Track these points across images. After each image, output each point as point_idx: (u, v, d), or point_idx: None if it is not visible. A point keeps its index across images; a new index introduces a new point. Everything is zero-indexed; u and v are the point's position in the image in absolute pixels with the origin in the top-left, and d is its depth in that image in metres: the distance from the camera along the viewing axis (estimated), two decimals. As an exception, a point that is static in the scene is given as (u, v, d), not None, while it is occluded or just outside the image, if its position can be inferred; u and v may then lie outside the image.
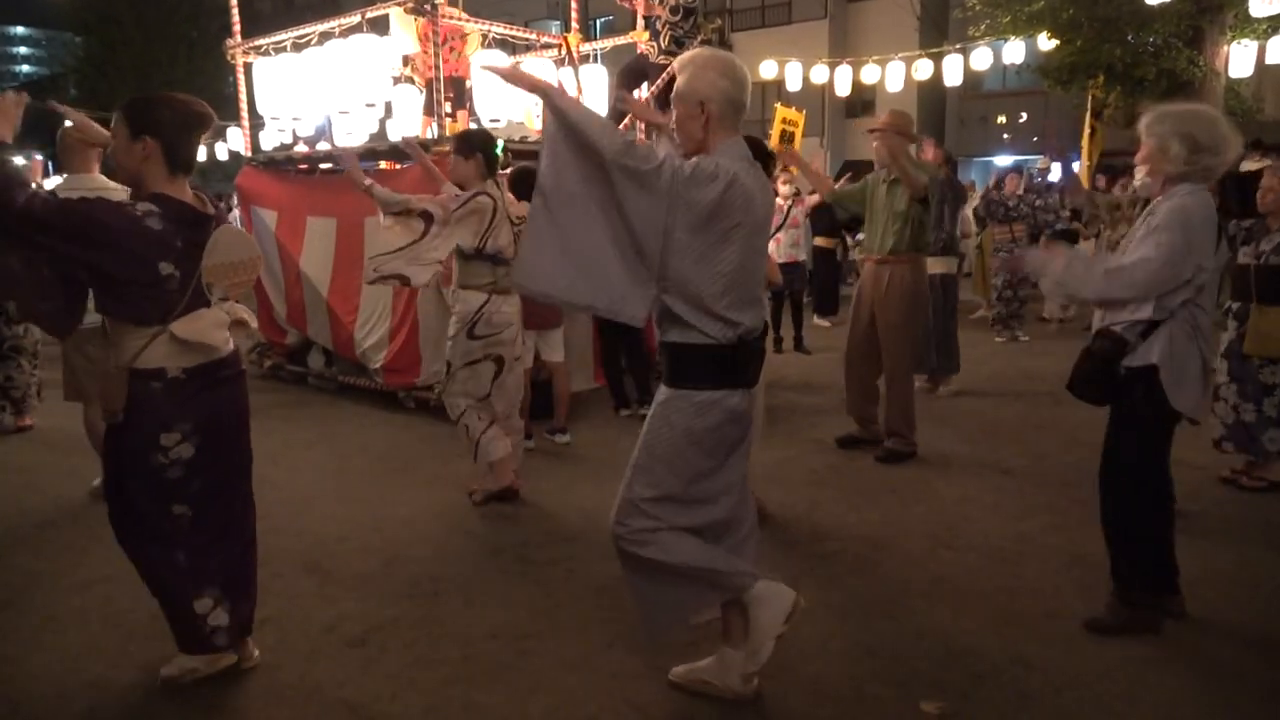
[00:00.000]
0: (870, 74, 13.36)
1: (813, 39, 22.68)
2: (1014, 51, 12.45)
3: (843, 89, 13.75)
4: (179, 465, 2.65)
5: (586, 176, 2.32)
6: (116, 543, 2.78)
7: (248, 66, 7.63)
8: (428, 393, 6.27)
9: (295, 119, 7.20)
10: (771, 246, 8.47)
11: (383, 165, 7.43)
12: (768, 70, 13.90)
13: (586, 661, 3.01)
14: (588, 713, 2.73)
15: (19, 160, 2.61)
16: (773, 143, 10.57)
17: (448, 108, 6.41)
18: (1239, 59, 11.03)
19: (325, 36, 6.74)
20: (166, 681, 2.84)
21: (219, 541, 2.82)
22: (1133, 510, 3.16)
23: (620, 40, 8.23)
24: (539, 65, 7.17)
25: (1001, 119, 23.64)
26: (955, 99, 23.00)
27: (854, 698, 2.80)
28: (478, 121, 6.80)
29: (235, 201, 9.37)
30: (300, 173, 7.89)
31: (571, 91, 7.04)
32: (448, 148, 5.16)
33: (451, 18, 6.57)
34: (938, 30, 20.70)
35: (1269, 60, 10.67)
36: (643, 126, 7.35)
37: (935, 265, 6.66)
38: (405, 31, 6.89)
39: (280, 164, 7.90)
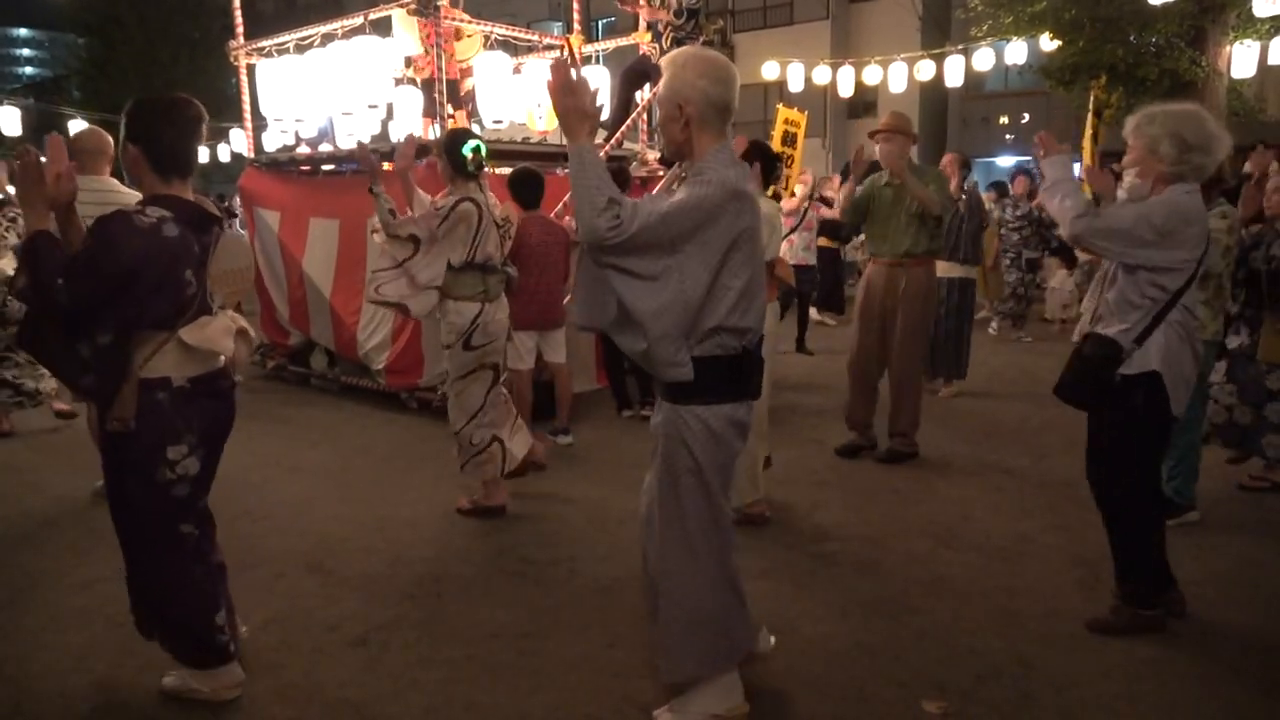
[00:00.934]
0: (872, 75, 13.37)
1: (815, 40, 22.68)
2: (1016, 52, 12.46)
3: (845, 90, 13.77)
4: (185, 482, 2.59)
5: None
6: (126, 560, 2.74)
7: (250, 68, 7.65)
8: (430, 393, 6.28)
9: (298, 120, 7.21)
10: (785, 247, 8.51)
11: (386, 166, 7.44)
12: (770, 71, 13.92)
13: (588, 661, 3.02)
14: (589, 712, 2.73)
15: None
16: (775, 143, 10.59)
17: (449, 109, 6.41)
18: (1241, 59, 11.02)
19: (328, 38, 6.75)
20: (166, 692, 2.82)
21: (216, 553, 2.82)
22: (1140, 514, 3.16)
23: (623, 41, 8.24)
24: (541, 67, 7.17)
25: (1004, 119, 23.62)
26: (957, 99, 22.97)
27: (855, 697, 2.80)
28: (480, 123, 6.82)
29: (238, 203, 9.39)
30: (303, 174, 7.90)
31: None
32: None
33: (453, 19, 6.58)
34: (940, 31, 20.68)
35: (1271, 61, 10.68)
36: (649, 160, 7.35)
37: (954, 270, 6.68)
38: (407, 33, 6.91)
39: (283, 165, 7.92)
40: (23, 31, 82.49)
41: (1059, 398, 3.22)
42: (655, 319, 2.25)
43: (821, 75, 13.74)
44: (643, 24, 7.36)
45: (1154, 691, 2.82)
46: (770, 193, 9.77)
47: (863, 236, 5.57)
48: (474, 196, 4.19)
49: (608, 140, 7.04)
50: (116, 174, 4.02)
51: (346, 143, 7.15)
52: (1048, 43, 12.73)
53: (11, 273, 2.48)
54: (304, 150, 7.76)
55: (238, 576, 2.97)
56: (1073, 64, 12.87)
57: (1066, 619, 3.27)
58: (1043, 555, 3.87)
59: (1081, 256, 9.34)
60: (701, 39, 7.36)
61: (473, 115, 6.93)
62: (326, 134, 7.53)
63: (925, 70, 13.09)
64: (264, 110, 7.29)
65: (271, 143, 8.35)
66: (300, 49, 7.05)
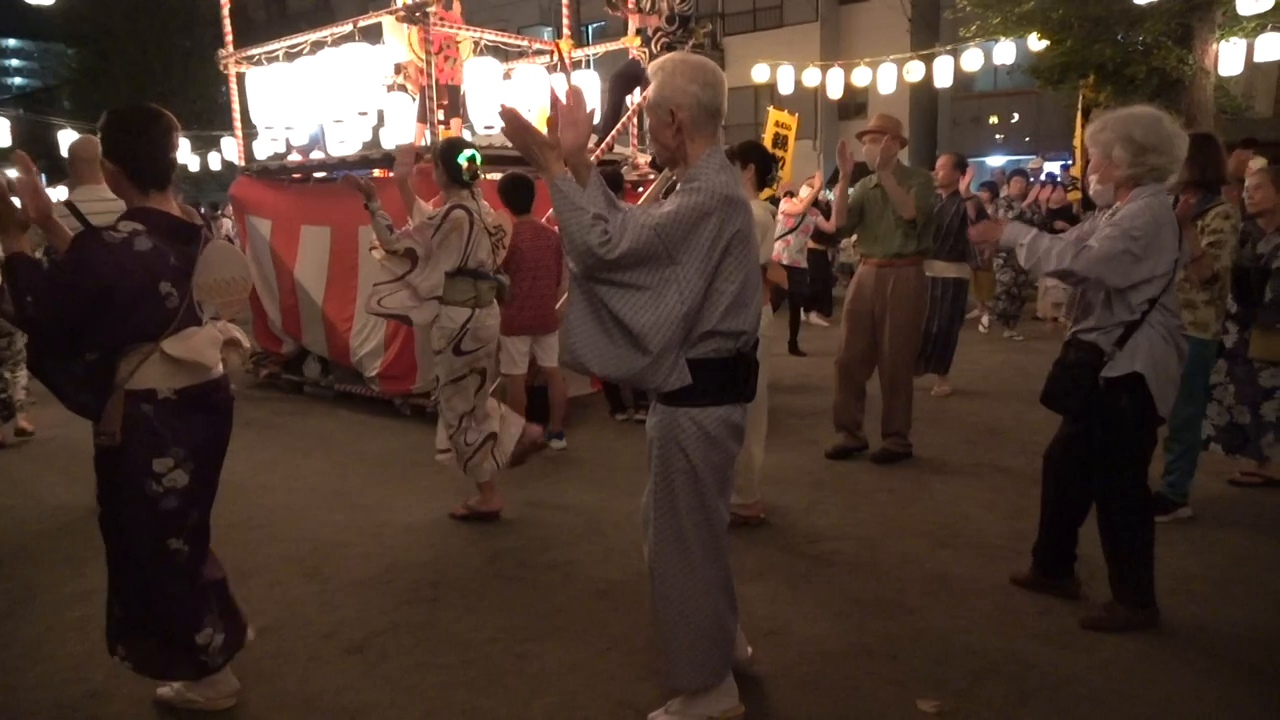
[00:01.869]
0: (862, 76, 13.41)
1: (805, 42, 22.75)
2: (1005, 52, 12.52)
3: (835, 91, 13.81)
4: (173, 495, 2.56)
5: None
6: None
7: (240, 76, 7.65)
8: (424, 400, 6.28)
9: (288, 128, 7.22)
10: (779, 247, 8.54)
11: (376, 173, 7.44)
12: (760, 74, 13.96)
13: (586, 665, 3.03)
14: (587, 716, 2.74)
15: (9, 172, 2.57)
16: (765, 146, 10.55)
17: (440, 115, 6.42)
18: (1228, 57, 11.07)
19: (318, 45, 6.76)
20: (161, 703, 2.81)
21: (210, 569, 2.78)
22: (1133, 517, 3.18)
23: (613, 46, 8.25)
24: (531, 72, 7.19)
25: (994, 119, 23.71)
26: (947, 100, 23.07)
27: (852, 697, 2.81)
28: (471, 129, 6.82)
29: (229, 211, 9.38)
30: (295, 182, 7.90)
31: (564, 98, 7.07)
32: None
33: (444, 25, 6.59)
34: (929, 31, 20.78)
35: (1258, 58, 10.74)
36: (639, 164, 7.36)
37: (948, 270, 6.70)
38: (397, 39, 6.92)
39: (275, 173, 7.92)
40: (11, 42, 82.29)
41: (1046, 405, 3.25)
42: (657, 330, 2.23)
43: (811, 77, 13.77)
44: (632, 29, 7.38)
45: (1149, 686, 2.84)
46: (766, 195, 9.86)
47: (853, 238, 5.57)
48: (466, 204, 4.24)
49: (598, 145, 7.05)
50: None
51: (338, 150, 7.16)
52: (1036, 42, 12.79)
53: None
54: (295, 158, 7.77)
55: (233, 585, 2.97)
56: (1061, 63, 12.95)
57: (1062, 616, 3.29)
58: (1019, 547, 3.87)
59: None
60: (691, 43, 7.38)
61: (464, 121, 6.94)
62: (318, 141, 7.53)
63: (915, 71, 13.13)
64: (254, 118, 7.30)
65: (263, 151, 8.35)
66: (290, 57, 7.05)
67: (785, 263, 8.62)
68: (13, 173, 2.51)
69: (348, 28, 6.52)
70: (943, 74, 12.76)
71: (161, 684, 2.83)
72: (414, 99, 6.99)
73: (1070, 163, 13.56)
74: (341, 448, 5.85)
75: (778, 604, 3.44)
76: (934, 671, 2.94)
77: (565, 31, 7.14)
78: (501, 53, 7.41)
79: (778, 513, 4.42)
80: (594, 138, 7.24)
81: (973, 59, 12.52)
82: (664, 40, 7.13)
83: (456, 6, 7.26)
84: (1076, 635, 3.17)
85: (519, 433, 4.55)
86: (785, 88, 13.82)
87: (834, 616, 3.35)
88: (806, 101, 18.49)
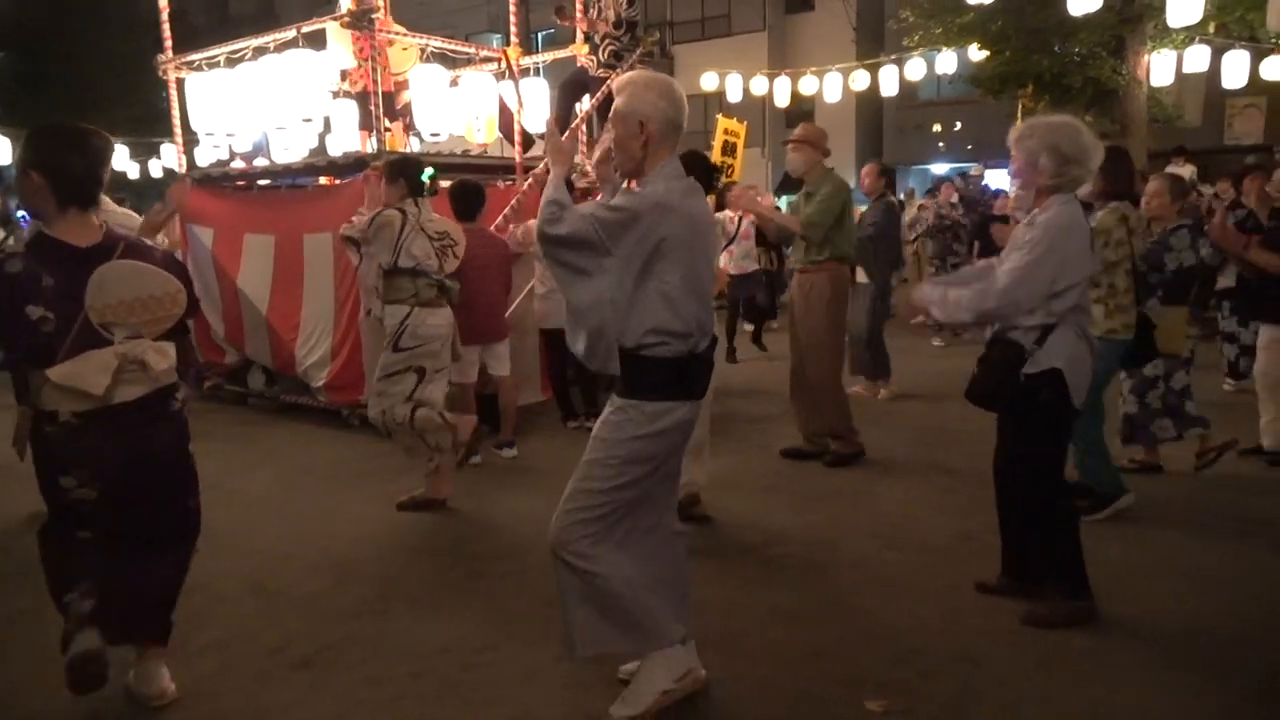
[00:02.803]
0: (809, 85, 13.58)
1: (753, 50, 22.99)
2: (947, 62, 12.79)
3: (782, 100, 13.96)
4: (85, 504, 2.58)
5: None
6: None
7: (180, 82, 7.49)
8: (373, 409, 6.20)
9: (230, 135, 7.09)
10: (724, 259, 8.60)
11: (323, 180, 7.35)
12: (709, 82, 14.06)
13: (540, 673, 3.01)
14: (541, 725, 2.72)
15: None
16: (715, 154, 10.71)
17: (386, 123, 6.36)
18: (1160, 68, 11.43)
19: (260, 51, 6.64)
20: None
21: (133, 572, 2.71)
22: (1057, 506, 3.28)
23: (561, 53, 8.25)
24: (479, 79, 7.16)
25: (937, 127, 24.14)
26: (893, 108, 23.43)
27: (802, 699, 2.83)
28: (418, 136, 6.77)
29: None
30: (238, 189, 7.76)
31: (512, 105, 7.06)
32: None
33: (388, 31, 6.53)
34: (874, 41, 21.10)
35: (1187, 69, 11.10)
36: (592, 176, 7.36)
37: (874, 278, 6.79)
38: (342, 46, 6.84)
39: (217, 180, 7.77)
40: (-61, 46, 79.54)
41: (970, 401, 3.33)
42: (591, 311, 2.47)
43: (759, 86, 13.91)
44: (580, 36, 7.39)
45: (1091, 682, 2.90)
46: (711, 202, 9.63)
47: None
48: (402, 208, 4.46)
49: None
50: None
51: (283, 157, 7.05)
52: (977, 53, 13.10)
53: None
54: (239, 165, 7.63)
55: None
56: (1001, 73, 13.27)
57: (1008, 614, 3.34)
58: (985, 553, 3.93)
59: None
60: (640, 51, 7.41)
61: (410, 128, 6.88)
62: (262, 148, 7.41)
63: (860, 80, 13.33)
64: (195, 125, 7.15)
65: (204, 158, 8.20)
66: (232, 62, 6.92)
67: (733, 271, 8.69)
68: None
69: (291, 33, 6.43)
70: (887, 83, 12.98)
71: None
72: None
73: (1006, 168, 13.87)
74: (287, 459, 5.75)
75: (730, 609, 3.45)
76: (885, 671, 2.98)
77: (513, 39, 7.11)
78: (448, 60, 7.36)
79: (730, 517, 4.44)
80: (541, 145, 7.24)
81: (916, 68, 12.77)
82: (612, 47, 7.15)
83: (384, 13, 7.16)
84: (1022, 633, 3.23)
85: (464, 432, 4.56)
86: (734, 96, 13.94)
87: (786, 619, 3.37)
88: (755, 109, 18.66)
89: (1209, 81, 12.41)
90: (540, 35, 24.52)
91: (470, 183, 5.43)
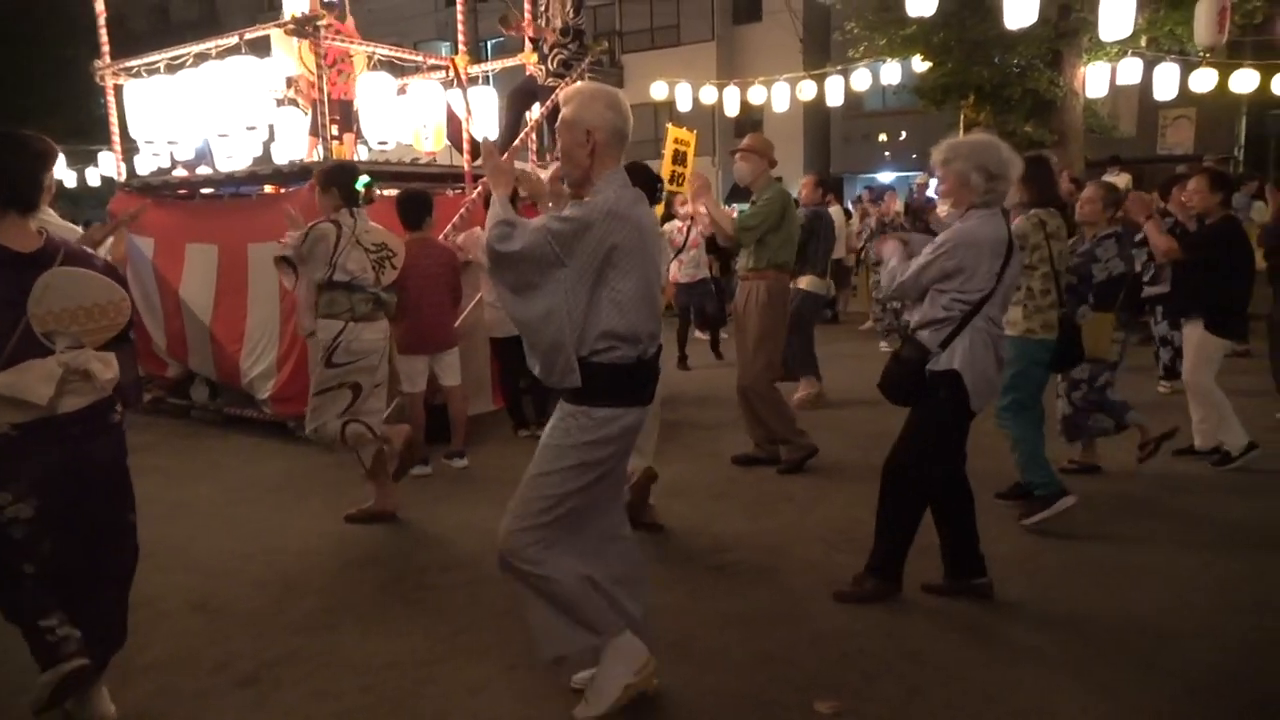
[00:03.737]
0: (757, 94, 13.75)
1: (702, 60, 23.18)
2: (891, 73, 13.06)
3: (731, 109, 14.11)
4: (19, 525, 2.48)
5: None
6: None
7: (118, 88, 7.32)
8: (320, 421, 6.11)
9: (171, 142, 6.95)
10: (675, 268, 8.64)
11: (268, 189, 7.24)
12: (658, 91, 14.16)
13: (490, 685, 2.99)
14: (491, 736, 2.71)
15: None
16: (665, 162, 10.76)
17: (334, 130, 6.29)
18: (1095, 80, 11.81)
19: (201, 58, 6.52)
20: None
21: (80, 593, 2.65)
22: (924, 498, 3.48)
23: (510, 62, 8.25)
24: (427, 87, 7.12)
25: (883, 137, 24.60)
26: (839, 118, 23.82)
27: (753, 703, 2.86)
28: (366, 144, 6.71)
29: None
30: (179, 198, 7.60)
31: (460, 113, 7.04)
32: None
33: (340, 39, 6.47)
34: (821, 52, 21.44)
35: (1120, 81, 11.48)
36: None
37: (801, 282, 6.87)
38: (286, 53, 6.76)
39: (157, 189, 7.60)
40: None
41: (880, 391, 3.56)
42: (543, 324, 2.47)
43: (708, 95, 14.05)
44: (528, 45, 7.39)
45: (1034, 680, 2.97)
46: (659, 212, 9.85)
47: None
48: (336, 219, 4.36)
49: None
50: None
51: (226, 165, 6.93)
52: (920, 64, 13.37)
53: None
54: (180, 173, 7.48)
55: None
56: (943, 84, 13.57)
57: (953, 614, 3.42)
58: (930, 552, 3.97)
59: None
60: (588, 59, 7.44)
61: (358, 136, 6.82)
62: (205, 156, 7.28)
63: (807, 90, 13.53)
64: (134, 132, 6.99)
65: (144, 166, 8.02)
66: (172, 69, 6.79)
67: (683, 280, 8.74)
68: None
69: (233, 40, 6.33)
70: (834, 93, 13.19)
71: None
72: (306, 113, 6.83)
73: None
74: (232, 472, 5.64)
75: (681, 616, 3.47)
76: (834, 674, 3.02)
77: (461, 47, 7.08)
78: (397, 68, 7.30)
79: (681, 524, 4.46)
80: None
81: (861, 79, 13.00)
82: (560, 56, 7.17)
83: (350, 20, 7.14)
84: (966, 632, 3.30)
85: (401, 444, 4.51)
86: (683, 105, 14.05)
87: (736, 625, 3.40)
88: (705, 118, 18.81)
89: (1142, 93, 12.81)
90: (490, 43, 24.43)
91: (417, 191, 5.40)
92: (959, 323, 3.27)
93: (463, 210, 6.36)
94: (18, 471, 2.47)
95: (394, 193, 5.64)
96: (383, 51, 6.87)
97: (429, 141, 7.31)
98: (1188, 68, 11.00)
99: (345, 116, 6.74)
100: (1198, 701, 2.84)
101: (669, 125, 11.51)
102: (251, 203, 7.23)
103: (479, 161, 7.03)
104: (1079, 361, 4.54)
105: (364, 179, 4.46)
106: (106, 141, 8.64)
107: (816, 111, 19.21)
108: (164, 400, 7.37)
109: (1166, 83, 11.06)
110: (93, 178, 16.75)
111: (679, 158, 11.16)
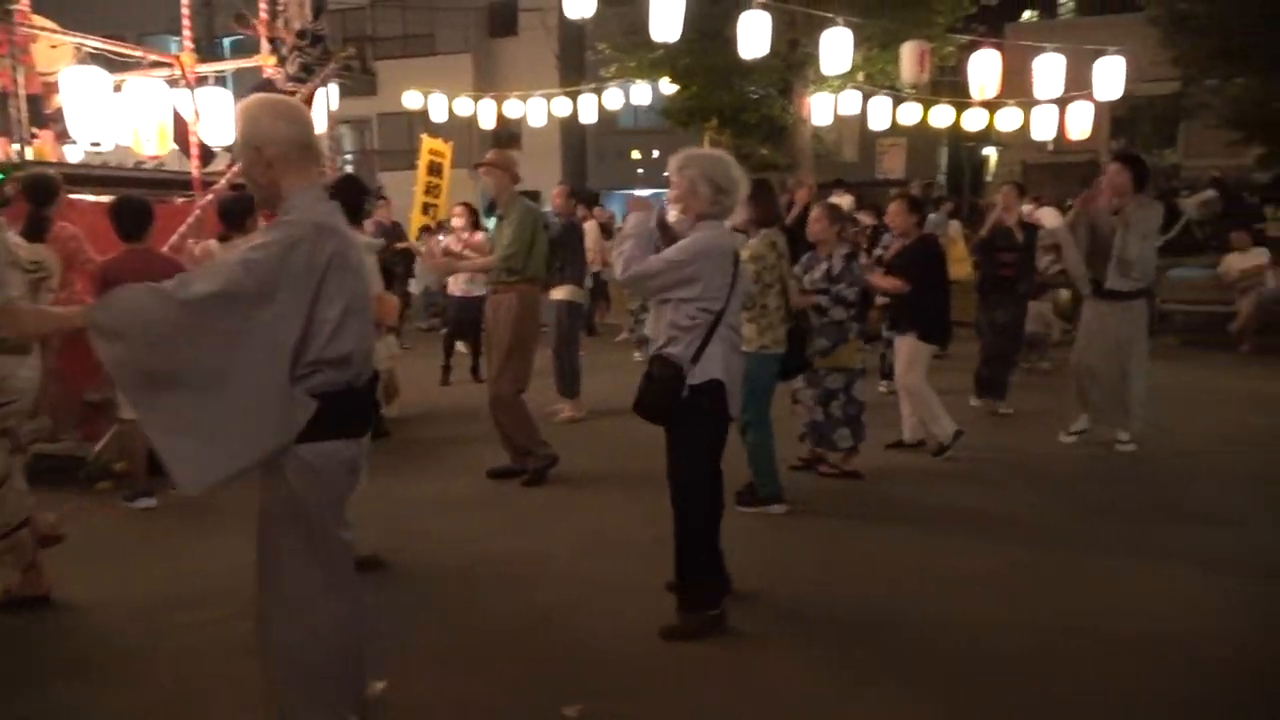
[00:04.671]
0: (514, 108, 13.83)
1: (459, 71, 22.94)
2: (641, 94, 13.61)
3: (487, 122, 14.09)
4: None
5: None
6: None
7: None
8: None
9: None
10: (451, 282, 8.43)
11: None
12: (412, 100, 13.88)
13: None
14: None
15: None
16: (420, 173, 10.56)
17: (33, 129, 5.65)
18: (820, 109, 12.98)
19: None
20: None
21: None
22: (705, 511, 3.50)
23: (246, 63, 7.76)
24: (148, 85, 6.55)
25: (636, 154, 25.52)
26: (595, 135, 24.43)
27: (502, 714, 2.89)
28: (74, 144, 6.07)
29: None
30: None
31: (188, 115, 6.53)
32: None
33: (32, 26, 5.81)
34: (576, 70, 21.90)
35: (842, 111, 12.70)
36: None
37: (560, 293, 6.99)
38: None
39: None
40: None
41: (638, 414, 3.50)
42: (262, 371, 2.20)
43: (464, 107, 13.95)
44: (265, 46, 7.01)
45: (774, 671, 3.20)
46: (420, 224, 9.69)
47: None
48: None
49: (229, 166, 6.58)
50: None
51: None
52: (668, 86, 14.03)
53: None
54: None
55: None
56: (689, 107, 14.34)
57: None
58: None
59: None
60: (332, 65, 7.17)
61: (62, 136, 6.16)
62: None
63: (562, 106, 13.79)
64: None
65: None
66: None
67: (458, 294, 8.50)
68: None
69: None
70: (587, 110, 13.54)
71: None
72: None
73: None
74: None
75: (440, 631, 3.43)
76: (584, 677, 3.09)
77: (187, 44, 6.58)
78: (111, 62, 6.65)
79: (434, 542, 4.42)
80: (228, 157, 6.77)
81: (614, 98, 13.45)
82: (301, 60, 6.85)
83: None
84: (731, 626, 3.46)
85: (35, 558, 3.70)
86: (438, 116, 13.86)
87: (495, 638, 3.41)
88: (463, 130, 18.61)
89: (861, 123, 14.14)
90: (228, 42, 22.82)
91: (135, 199, 4.92)
92: (705, 333, 3.34)
93: (191, 219, 5.91)
94: None
95: (109, 199, 5.12)
96: (93, 44, 6.25)
97: (151, 144, 6.72)
98: (898, 102, 12.39)
99: (36, 112, 6.04)
100: (924, 686, 3.19)
101: (423, 136, 11.33)
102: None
103: (210, 167, 6.60)
104: (803, 369, 4.94)
105: None
106: None
107: (573, 128, 19.61)
108: None
109: (881, 114, 12.42)
110: None
111: (435, 169, 11.00)
